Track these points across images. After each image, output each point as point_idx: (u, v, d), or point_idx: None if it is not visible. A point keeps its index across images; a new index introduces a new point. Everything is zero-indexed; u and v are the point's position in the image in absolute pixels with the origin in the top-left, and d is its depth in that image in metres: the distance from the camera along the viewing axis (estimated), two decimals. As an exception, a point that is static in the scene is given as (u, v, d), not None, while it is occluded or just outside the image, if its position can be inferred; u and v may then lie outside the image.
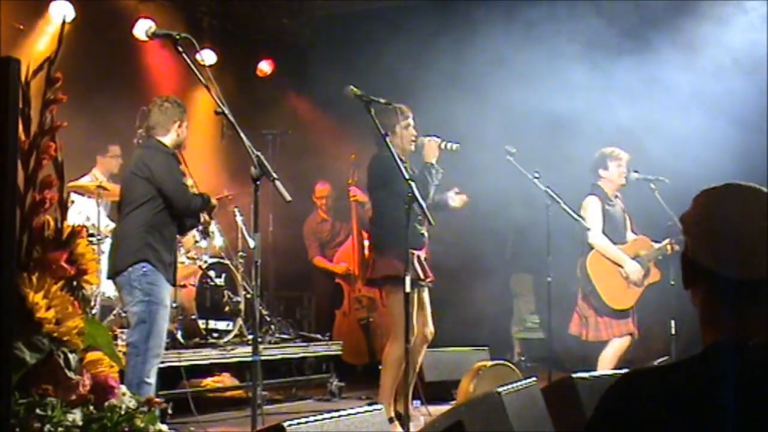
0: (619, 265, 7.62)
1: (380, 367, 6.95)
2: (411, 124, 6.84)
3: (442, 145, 6.78)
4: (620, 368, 7.17)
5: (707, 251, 1.90)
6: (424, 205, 5.74)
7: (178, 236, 6.46)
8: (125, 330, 6.51)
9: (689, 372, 1.83)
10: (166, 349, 7.42)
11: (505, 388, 4.60)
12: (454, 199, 7.02)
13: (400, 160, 6.80)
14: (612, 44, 8.84)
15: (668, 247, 7.73)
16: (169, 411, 6.66)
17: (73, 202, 7.76)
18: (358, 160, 9.71)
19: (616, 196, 7.86)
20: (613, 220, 7.73)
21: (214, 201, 6.42)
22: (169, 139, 6.29)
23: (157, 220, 6.07)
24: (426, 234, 6.78)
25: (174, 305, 7.70)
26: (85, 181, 8.15)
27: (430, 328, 6.91)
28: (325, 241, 10.48)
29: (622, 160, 7.75)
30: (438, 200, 6.93)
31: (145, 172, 6.14)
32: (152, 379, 5.89)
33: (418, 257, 6.72)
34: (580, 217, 7.57)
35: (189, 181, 6.48)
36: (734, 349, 1.82)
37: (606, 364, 7.53)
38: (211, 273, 8.17)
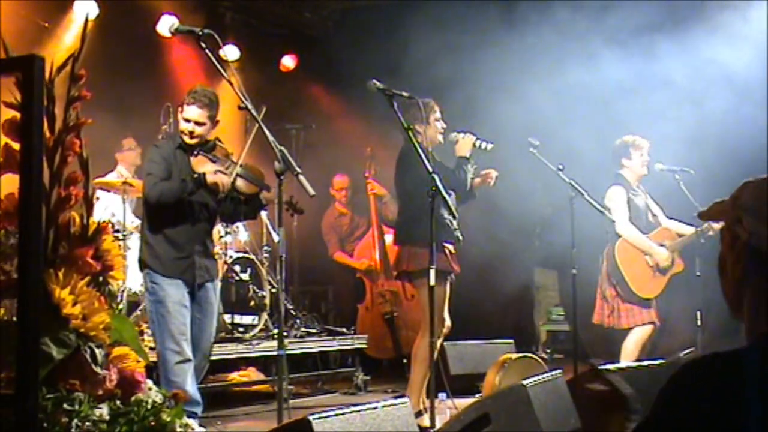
0: (647, 254, 7.63)
1: (406, 360, 6.97)
2: (439, 117, 6.92)
3: (477, 143, 6.84)
4: (645, 358, 7.16)
5: None
6: (448, 199, 5.73)
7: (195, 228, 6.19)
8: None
9: (753, 360, 1.79)
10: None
11: (530, 380, 4.59)
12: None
13: (426, 153, 6.85)
14: (635, 32, 8.75)
15: (698, 233, 7.72)
16: (199, 413, 6.68)
17: (98, 198, 7.78)
18: (375, 152, 9.70)
19: (638, 186, 7.85)
20: (635, 210, 7.73)
21: (211, 178, 5.94)
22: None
23: (153, 216, 6.02)
24: (454, 226, 6.81)
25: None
26: (110, 177, 8.19)
27: (447, 322, 6.93)
28: (345, 236, 10.42)
29: (643, 149, 7.73)
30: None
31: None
32: (179, 378, 5.80)
33: (448, 249, 6.75)
34: (605, 208, 7.56)
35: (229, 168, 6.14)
36: None
37: (629, 354, 7.54)
38: (236, 267, 8.19)
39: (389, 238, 9.72)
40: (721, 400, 1.76)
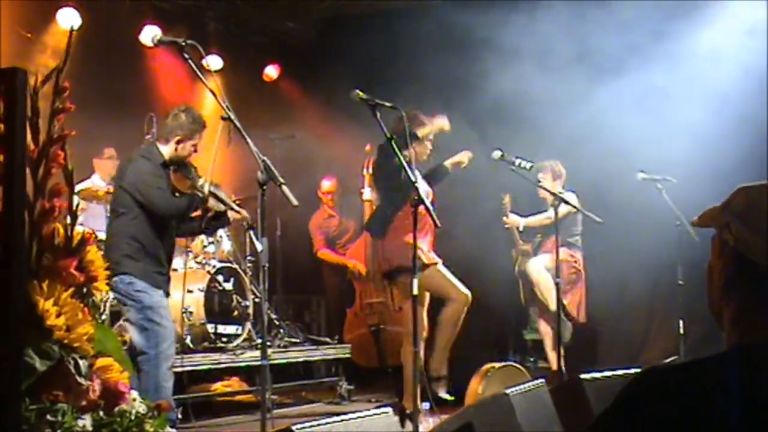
0: None
1: (390, 370, 6.98)
2: (432, 138, 7.04)
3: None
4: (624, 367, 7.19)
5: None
6: (431, 209, 5.75)
7: (174, 245, 6.43)
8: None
9: (720, 370, 1.76)
10: (176, 353, 7.44)
11: (513, 389, 4.60)
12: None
13: (408, 163, 6.92)
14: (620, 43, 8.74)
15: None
16: (179, 416, 6.68)
17: (84, 209, 7.78)
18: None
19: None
20: None
21: (232, 215, 6.36)
22: (166, 150, 6.18)
23: (136, 230, 5.99)
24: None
25: (183, 310, 7.71)
26: (84, 185, 8.17)
27: (464, 291, 7.25)
28: (333, 237, 10.36)
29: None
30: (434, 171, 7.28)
31: (123, 180, 6.14)
32: (169, 383, 5.86)
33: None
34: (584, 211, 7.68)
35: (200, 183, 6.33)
36: None
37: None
38: (220, 277, 8.19)
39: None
40: (684, 407, 1.74)
